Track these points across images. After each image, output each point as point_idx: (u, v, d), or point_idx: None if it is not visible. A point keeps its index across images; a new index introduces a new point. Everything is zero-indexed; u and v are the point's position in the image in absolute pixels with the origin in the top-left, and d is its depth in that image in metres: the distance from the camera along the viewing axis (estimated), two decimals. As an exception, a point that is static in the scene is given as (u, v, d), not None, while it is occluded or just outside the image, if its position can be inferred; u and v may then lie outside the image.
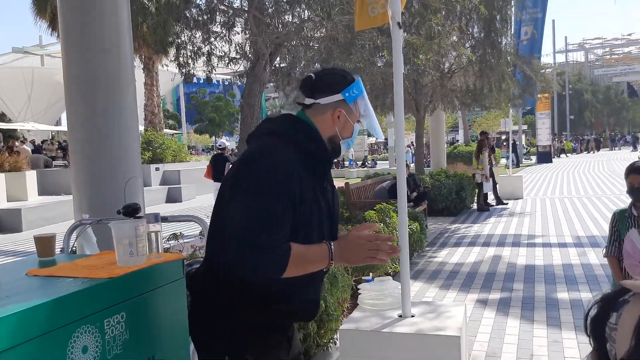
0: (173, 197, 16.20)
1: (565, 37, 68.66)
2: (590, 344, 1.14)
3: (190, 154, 28.11)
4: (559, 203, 13.08)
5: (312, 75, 1.82)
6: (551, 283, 6.01)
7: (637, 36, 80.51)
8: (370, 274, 3.57)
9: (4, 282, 1.80)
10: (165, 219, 2.28)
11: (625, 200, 12.68)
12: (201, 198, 16.84)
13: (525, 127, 41.59)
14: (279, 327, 1.79)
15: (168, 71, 19.11)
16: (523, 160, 34.13)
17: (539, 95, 19.75)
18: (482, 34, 11.29)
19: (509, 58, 11.60)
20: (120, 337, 1.82)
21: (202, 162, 23.47)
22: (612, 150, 50.22)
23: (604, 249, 3.29)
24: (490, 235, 9.09)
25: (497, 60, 10.83)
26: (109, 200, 3.27)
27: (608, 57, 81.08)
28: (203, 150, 47.84)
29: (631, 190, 3.08)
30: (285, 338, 1.83)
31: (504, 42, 11.41)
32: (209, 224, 1.98)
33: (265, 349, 1.73)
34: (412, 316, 3.07)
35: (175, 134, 33.71)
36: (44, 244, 2.13)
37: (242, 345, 1.71)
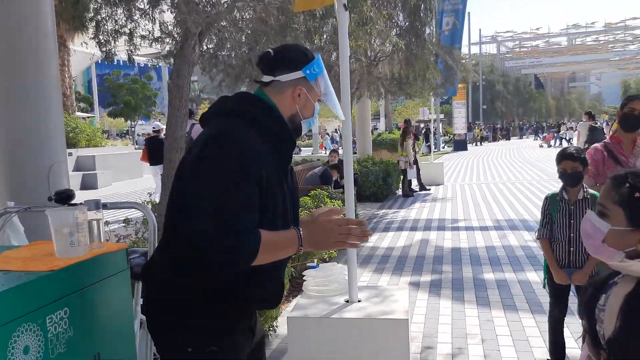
0: (88, 184, 15.36)
1: (480, 30, 71.71)
2: (584, 326, 1.16)
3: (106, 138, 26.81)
4: (477, 189, 13.68)
5: (271, 51, 1.72)
6: (477, 264, 6.26)
7: (544, 31, 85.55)
8: (315, 260, 3.52)
9: None
10: (105, 206, 2.10)
11: (536, 186, 13.49)
12: (118, 185, 16.11)
13: (442, 116, 43.16)
14: (244, 315, 1.71)
15: (81, 51, 18.02)
16: (442, 147, 35.47)
17: (459, 85, 20.51)
18: (407, 23, 11.51)
19: (431, 47, 11.90)
20: (63, 335, 1.66)
21: (119, 148, 22.44)
22: (520, 138, 53.29)
23: (536, 232, 3.42)
24: (416, 220, 9.35)
25: (421, 50, 11.07)
26: (30, 186, 2.99)
27: (518, 50, 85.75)
28: (117, 135, 45.77)
29: (563, 175, 3.22)
30: (249, 326, 1.75)
31: (427, 32, 11.69)
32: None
33: (231, 338, 1.65)
34: (359, 301, 3.06)
35: (88, 117, 31.98)
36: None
37: (205, 336, 1.61)
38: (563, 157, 3.23)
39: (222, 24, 6.22)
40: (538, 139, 44.74)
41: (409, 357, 2.79)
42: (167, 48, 7.46)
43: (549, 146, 34.40)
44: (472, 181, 15.59)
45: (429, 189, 13.59)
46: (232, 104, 1.69)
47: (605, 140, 3.53)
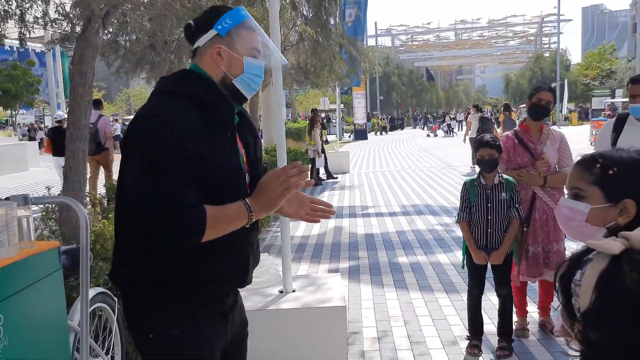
0: (-35, 179, 13.96)
1: (375, 23, 73.69)
2: (559, 299, 1.24)
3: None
4: (382, 176, 14.16)
5: (191, 22, 1.69)
6: (391, 249, 6.49)
7: (434, 25, 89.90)
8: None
9: None
10: (33, 202, 1.91)
11: (435, 172, 14.20)
12: (3, 178, 14.80)
13: (342, 106, 44.05)
14: (209, 299, 1.63)
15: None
16: (342, 137, 36.24)
17: (362, 76, 21.03)
18: (312, 14, 11.58)
19: (336, 38, 12.09)
20: None
21: (0, 139, 20.58)
22: (414, 128, 55.78)
23: (456, 216, 3.60)
24: (327, 208, 9.48)
25: (327, 40, 11.21)
26: None
27: (410, 43, 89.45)
28: (-4, 125, 42.06)
29: (481, 162, 3.42)
30: (217, 310, 1.67)
31: (332, 23, 11.85)
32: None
33: (193, 321, 1.59)
34: (294, 291, 3.06)
35: (-39, 106, 29.03)
36: None
37: (166, 319, 1.57)
38: (481, 144, 3.42)
39: (127, 6, 5.87)
40: (425, 128, 47.29)
41: (347, 344, 2.83)
42: (60, 31, 6.93)
43: (435, 135, 36.58)
44: (376, 169, 16.11)
45: (337, 177, 13.85)
46: (166, 82, 1.66)
47: (515, 129, 3.78)
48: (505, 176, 3.46)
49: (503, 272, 3.51)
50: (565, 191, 1.40)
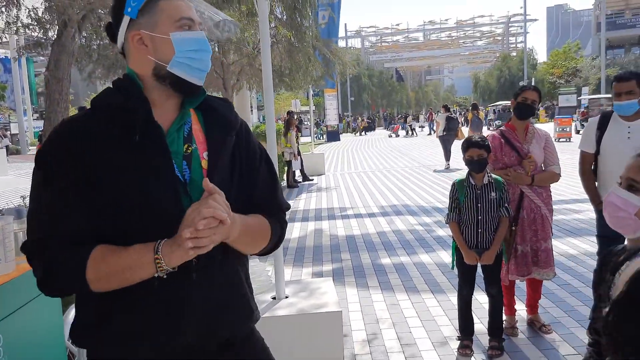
0: None
1: (345, 24, 74.04)
2: (595, 300, 1.25)
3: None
4: (357, 177, 14.19)
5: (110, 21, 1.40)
6: (373, 250, 6.49)
7: (403, 27, 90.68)
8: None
9: None
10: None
11: (410, 172, 14.29)
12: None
13: (313, 107, 44.02)
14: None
15: None
16: (315, 138, 36.23)
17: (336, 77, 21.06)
18: (285, 16, 11.55)
19: (309, 40, 12.08)
20: (1, 367, 1.42)
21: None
22: (386, 129, 56.18)
23: (446, 216, 3.62)
24: (306, 211, 9.46)
25: (301, 43, 11.19)
26: None
27: (380, 44, 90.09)
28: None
29: (469, 162, 3.43)
30: None
31: (305, 25, 11.83)
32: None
33: None
34: (287, 297, 3.02)
35: None
36: None
37: None
38: (470, 145, 3.44)
39: (103, 10, 5.75)
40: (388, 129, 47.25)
41: (343, 349, 2.81)
42: (31, 37, 6.76)
43: (397, 135, 36.97)
44: (351, 170, 16.14)
45: (312, 179, 13.84)
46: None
47: (502, 128, 3.82)
48: (494, 176, 3.49)
49: (493, 271, 3.54)
50: (618, 180, 1.38)
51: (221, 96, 1.71)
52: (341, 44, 70.57)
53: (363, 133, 43.62)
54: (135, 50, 1.33)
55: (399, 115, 56.63)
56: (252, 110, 41.54)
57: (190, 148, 1.34)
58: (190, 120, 1.39)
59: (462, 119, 30.78)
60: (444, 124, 14.70)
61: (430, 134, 35.79)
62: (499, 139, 3.73)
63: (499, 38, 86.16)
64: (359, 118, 49.34)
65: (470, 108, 17.94)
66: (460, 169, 13.78)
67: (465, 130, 17.03)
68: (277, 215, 1.50)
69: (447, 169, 14.18)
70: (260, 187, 1.47)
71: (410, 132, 37.40)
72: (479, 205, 3.43)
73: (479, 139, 3.43)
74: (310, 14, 11.68)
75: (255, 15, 6.55)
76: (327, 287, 3.15)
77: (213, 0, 6.55)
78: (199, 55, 1.34)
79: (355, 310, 4.57)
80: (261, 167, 1.49)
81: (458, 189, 3.53)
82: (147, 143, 1.27)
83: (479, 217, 3.43)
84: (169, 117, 1.35)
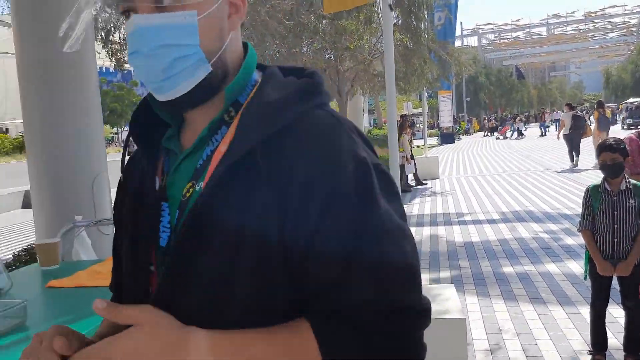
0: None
1: (461, 23, 72.16)
2: None
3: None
4: (474, 181, 13.75)
5: None
6: (493, 258, 6.28)
7: (524, 22, 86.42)
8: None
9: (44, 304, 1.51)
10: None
11: (533, 176, 13.60)
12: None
13: (427, 109, 43.28)
14: None
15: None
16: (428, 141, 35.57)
17: (453, 79, 20.64)
18: (400, 20, 11.52)
19: (425, 43, 11.94)
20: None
21: (112, 155, 22.10)
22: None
23: (578, 224, 3.43)
24: (421, 215, 9.36)
25: (417, 46, 11.11)
26: (73, 199, 2.92)
27: (498, 41, 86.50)
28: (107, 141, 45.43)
29: (603, 167, 3.24)
30: None
31: (422, 27, 11.72)
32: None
33: None
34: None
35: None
36: (49, 251, 1.82)
37: None
38: (603, 148, 3.24)
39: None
40: (495, 133, 40.59)
41: (467, 358, 2.77)
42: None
43: (505, 138, 34.83)
44: (467, 174, 15.67)
45: (426, 183, 13.64)
46: None
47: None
48: (633, 181, 3.25)
49: (631, 284, 3.29)
50: None
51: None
52: (457, 43, 68.84)
53: (489, 134, 41.66)
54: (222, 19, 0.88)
55: (509, 116, 53.54)
56: (363, 115, 41.88)
57: (192, 189, 0.83)
58: (220, 137, 0.85)
59: (588, 117, 28.58)
60: (569, 123, 13.89)
61: (542, 135, 33.59)
62: (637, 142, 3.47)
63: (634, 29, 78.89)
64: (487, 119, 46.82)
65: (596, 106, 16.66)
66: (587, 169, 13.10)
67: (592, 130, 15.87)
68: (371, 326, 0.73)
69: (573, 167, 13.27)
70: (320, 259, 0.75)
71: (519, 135, 34.88)
72: (615, 212, 3.21)
73: (613, 142, 3.22)
74: (425, 16, 11.57)
75: (372, 22, 6.64)
76: (449, 294, 3.12)
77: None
78: (133, 61, 0.84)
79: (476, 319, 4.46)
80: (328, 216, 0.76)
81: (592, 195, 3.33)
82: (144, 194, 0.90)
83: (615, 226, 3.21)
84: (195, 137, 0.87)
